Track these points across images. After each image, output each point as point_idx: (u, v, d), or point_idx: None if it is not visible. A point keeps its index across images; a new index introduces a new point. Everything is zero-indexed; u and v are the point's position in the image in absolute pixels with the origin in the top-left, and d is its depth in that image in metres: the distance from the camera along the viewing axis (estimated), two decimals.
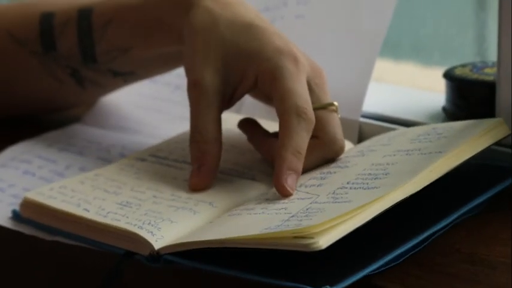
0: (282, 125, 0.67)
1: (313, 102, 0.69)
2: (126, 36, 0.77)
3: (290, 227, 0.57)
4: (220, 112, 0.71)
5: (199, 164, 0.69)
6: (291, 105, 0.67)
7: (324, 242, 0.56)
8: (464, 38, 1.07)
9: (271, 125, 0.74)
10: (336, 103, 0.70)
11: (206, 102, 0.70)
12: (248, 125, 0.74)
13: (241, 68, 0.70)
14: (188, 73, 0.71)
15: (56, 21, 0.78)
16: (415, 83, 0.99)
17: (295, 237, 0.56)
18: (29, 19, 0.79)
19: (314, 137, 0.69)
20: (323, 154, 0.69)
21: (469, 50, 1.07)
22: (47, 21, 0.78)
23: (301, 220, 0.58)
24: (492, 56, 1.01)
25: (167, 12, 0.74)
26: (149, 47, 0.76)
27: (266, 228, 0.58)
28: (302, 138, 0.67)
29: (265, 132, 0.73)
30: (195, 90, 0.70)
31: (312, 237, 0.55)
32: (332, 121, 0.69)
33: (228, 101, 0.71)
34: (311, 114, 0.67)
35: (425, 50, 1.09)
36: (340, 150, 0.70)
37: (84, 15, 0.77)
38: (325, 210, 0.59)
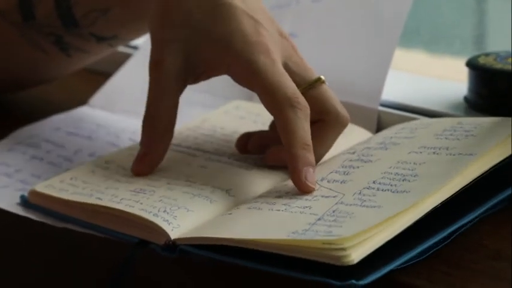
0: (279, 121, 0.64)
1: (298, 84, 0.66)
2: None
3: (319, 234, 0.55)
4: (178, 96, 0.68)
5: (145, 151, 0.67)
6: (281, 98, 0.64)
7: (356, 255, 0.53)
8: (467, 27, 1.05)
9: None
10: (322, 76, 0.67)
11: (164, 87, 0.67)
12: (243, 142, 0.71)
13: (208, 55, 0.67)
14: (152, 49, 0.68)
15: None
16: (425, 71, 0.98)
17: (326, 248, 0.54)
18: None
19: (317, 120, 0.66)
20: (334, 133, 0.67)
21: (474, 40, 1.06)
22: None
23: (330, 226, 0.56)
24: (494, 47, 1.00)
25: None
26: (126, 4, 0.73)
27: (293, 233, 0.56)
28: (304, 130, 0.64)
29: (260, 139, 0.70)
30: (155, 70, 0.67)
31: (344, 249, 0.53)
32: (327, 96, 0.67)
33: (191, 81, 0.69)
34: (304, 101, 0.65)
35: (435, 39, 1.08)
36: (347, 120, 0.67)
37: None
38: (355, 215, 0.57)
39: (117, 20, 0.75)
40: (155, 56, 0.68)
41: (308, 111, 0.65)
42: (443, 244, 0.59)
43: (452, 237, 0.60)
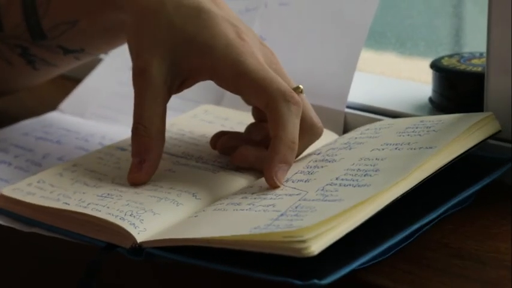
0: (272, 115, 0.65)
1: None
2: (70, 8, 0.74)
3: (281, 228, 0.55)
4: (165, 103, 0.68)
5: (141, 159, 0.67)
6: (275, 92, 0.65)
7: (316, 247, 0.54)
8: (439, 29, 1.06)
9: (248, 116, 0.73)
10: (301, 86, 0.68)
11: (152, 94, 0.67)
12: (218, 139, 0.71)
13: (192, 61, 0.67)
14: (134, 58, 0.68)
15: None
16: (394, 73, 0.98)
17: (286, 241, 0.54)
18: None
19: None
20: (307, 142, 0.68)
21: (443, 41, 1.07)
22: None
23: (291, 220, 0.56)
24: (467, 48, 1.00)
25: None
26: (94, 17, 0.73)
27: (255, 228, 0.56)
28: (295, 126, 0.65)
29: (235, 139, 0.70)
30: (141, 79, 0.67)
31: (304, 241, 0.53)
32: (304, 106, 0.67)
33: (175, 89, 0.69)
34: (297, 97, 0.65)
35: (405, 41, 1.08)
36: (321, 131, 0.68)
37: None
38: (316, 209, 0.57)
39: (85, 33, 0.75)
40: (139, 64, 0.67)
41: (301, 107, 0.65)
42: (406, 243, 0.60)
43: (415, 236, 0.60)
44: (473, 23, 1.03)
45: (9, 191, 0.66)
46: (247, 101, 0.71)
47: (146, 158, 0.67)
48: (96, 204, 0.64)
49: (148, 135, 0.67)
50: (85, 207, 0.63)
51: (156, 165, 0.67)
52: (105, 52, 0.80)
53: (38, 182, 0.67)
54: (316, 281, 0.54)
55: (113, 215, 0.62)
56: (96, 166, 0.69)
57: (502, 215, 0.64)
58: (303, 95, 0.68)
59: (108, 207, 0.63)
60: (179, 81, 0.68)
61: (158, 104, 0.67)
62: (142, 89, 0.67)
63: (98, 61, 0.89)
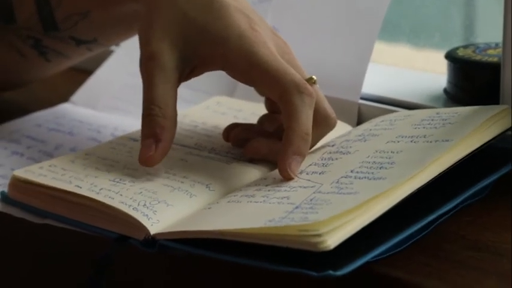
0: (286, 107, 0.64)
1: None
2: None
3: (296, 221, 0.55)
4: (176, 89, 0.67)
5: (156, 139, 0.65)
6: (289, 84, 0.64)
7: (332, 241, 0.53)
8: (453, 19, 1.05)
9: (261, 107, 0.72)
10: (314, 76, 0.67)
11: (164, 78, 0.66)
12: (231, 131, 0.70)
13: (204, 51, 0.66)
14: (144, 45, 0.67)
15: None
16: (408, 65, 0.98)
17: (302, 235, 0.53)
18: None
19: None
20: (321, 133, 0.68)
21: (457, 32, 1.06)
22: None
23: (306, 213, 0.56)
24: (482, 38, 1.00)
25: None
26: (107, 8, 0.73)
27: (270, 221, 0.56)
28: (308, 117, 0.64)
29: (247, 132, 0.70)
30: (151, 64, 0.66)
31: (320, 235, 0.53)
32: (318, 97, 0.67)
33: (185, 77, 0.68)
34: (311, 88, 0.65)
35: (418, 32, 1.08)
36: (335, 123, 0.68)
37: None
38: (331, 202, 0.57)
39: (97, 24, 0.74)
40: (148, 50, 0.66)
41: (314, 99, 0.65)
42: (422, 235, 0.59)
43: (431, 228, 0.60)
44: (488, 13, 1.02)
45: (21, 172, 0.66)
46: (260, 92, 0.70)
47: (162, 138, 0.65)
48: (109, 190, 0.63)
49: (163, 115, 0.66)
50: (97, 192, 0.62)
51: (168, 147, 0.66)
52: (118, 43, 0.79)
53: (50, 166, 0.67)
54: (331, 272, 0.54)
55: (126, 204, 0.61)
56: (108, 154, 0.69)
57: None
58: (317, 86, 0.68)
59: (121, 195, 0.62)
60: (189, 69, 0.68)
61: (170, 88, 0.66)
62: (152, 73, 0.66)
63: (109, 53, 0.89)
